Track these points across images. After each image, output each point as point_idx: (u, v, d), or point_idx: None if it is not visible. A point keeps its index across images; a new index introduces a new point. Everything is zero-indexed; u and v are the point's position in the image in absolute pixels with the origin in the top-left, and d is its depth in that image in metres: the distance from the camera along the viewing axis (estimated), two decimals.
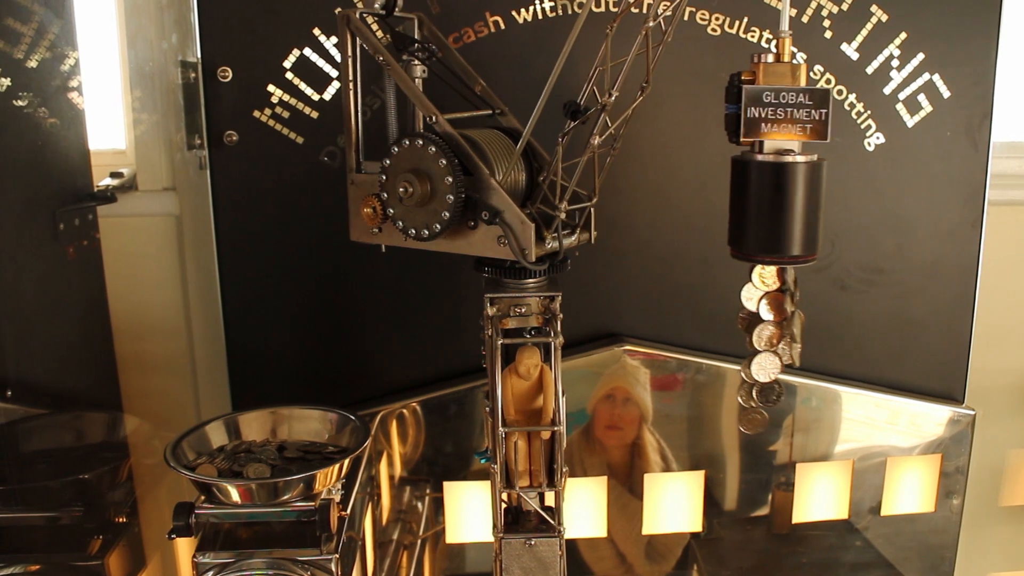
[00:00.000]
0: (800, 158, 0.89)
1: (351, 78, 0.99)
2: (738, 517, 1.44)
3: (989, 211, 1.36)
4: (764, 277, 1.08)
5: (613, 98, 0.91)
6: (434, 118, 0.91)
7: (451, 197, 0.89)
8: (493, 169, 0.91)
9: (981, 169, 1.34)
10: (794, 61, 0.90)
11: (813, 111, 0.89)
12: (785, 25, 0.91)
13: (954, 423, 1.41)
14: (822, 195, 0.91)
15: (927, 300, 1.38)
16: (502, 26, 1.25)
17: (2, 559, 1.07)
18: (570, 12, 1.23)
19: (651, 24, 0.91)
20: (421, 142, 0.91)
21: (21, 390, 1.17)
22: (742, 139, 0.93)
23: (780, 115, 0.90)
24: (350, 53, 0.98)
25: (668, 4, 0.92)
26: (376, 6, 0.97)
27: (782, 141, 0.91)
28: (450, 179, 0.89)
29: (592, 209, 0.98)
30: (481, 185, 0.90)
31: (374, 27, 1.08)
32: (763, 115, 0.91)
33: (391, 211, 0.95)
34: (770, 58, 0.91)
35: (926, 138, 1.32)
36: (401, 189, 0.91)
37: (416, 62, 1.00)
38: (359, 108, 1.01)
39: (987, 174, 1.34)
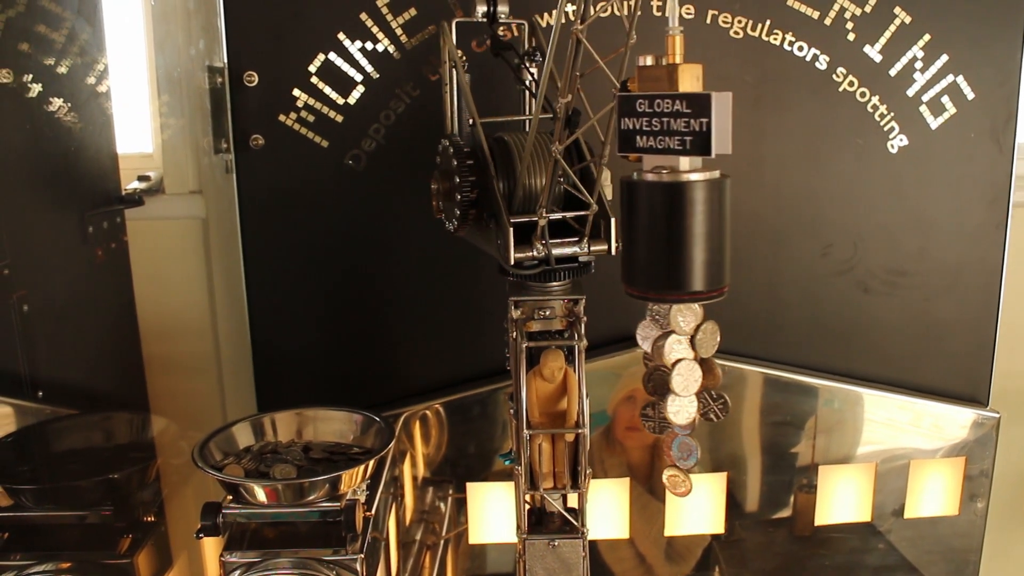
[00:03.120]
0: (697, 176, 0.76)
1: (446, 81, 0.99)
2: (760, 519, 1.44)
3: (1014, 213, 1.35)
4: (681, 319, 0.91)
5: (564, 103, 0.82)
6: (471, 121, 0.93)
7: (459, 195, 0.93)
8: (511, 172, 0.92)
9: (1005, 171, 1.33)
10: (680, 62, 0.77)
11: (692, 120, 0.73)
12: (674, 22, 0.79)
13: (978, 426, 1.41)
14: (726, 218, 0.79)
15: (951, 302, 1.38)
16: (515, 33, 1.25)
17: (34, 556, 1.08)
18: (592, 14, 1.23)
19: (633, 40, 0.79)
20: (446, 142, 0.95)
21: (52, 391, 1.19)
22: (618, 154, 0.81)
23: (656, 126, 0.76)
24: (445, 59, 0.99)
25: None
26: (478, 15, 0.98)
27: (662, 157, 0.76)
28: (458, 178, 0.92)
29: (613, 220, 0.93)
30: (486, 186, 0.92)
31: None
32: (638, 126, 0.77)
33: (439, 204, 1.00)
34: (650, 60, 0.79)
35: (950, 140, 1.31)
36: (433, 185, 0.96)
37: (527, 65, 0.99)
38: (455, 113, 1.01)
39: (1012, 176, 1.33)
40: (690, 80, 0.76)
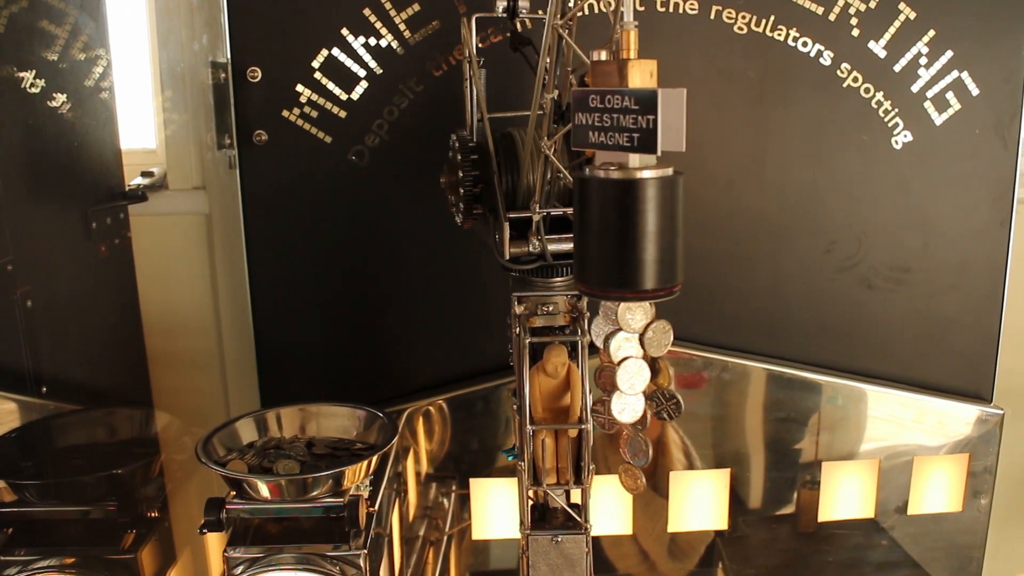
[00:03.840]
0: (650, 173, 0.75)
1: (467, 76, 0.99)
2: (763, 515, 1.44)
3: (1018, 209, 1.34)
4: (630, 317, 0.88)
5: (550, 99, 0.83)
6: (479, 115, 0.94)
7: (461, 190, 0.94)
8: (516, 167, 0.92)
9: (1010, 167, 1.33)
10: (634, 57, 0.75)
11: (639, 117, 0.72)
12: (628, 16, 0.77)
13: (982, 422, 1.41)
14: (679, 216, 0.78)
15: (955, 299, 1.37)
16: (528, 25, 1.25)
17: (38, 552, 1.08)
18: (597, 11, 1.23)
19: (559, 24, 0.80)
20: (454, 137, 0.96)
21: (55, 387, 1.19)
22: (573, 149, 0.82)
23: (607, 122, 0.75)
24: (467, 54, 0.99)
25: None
26: (499, 10, 0.98)
27: (613, 154, 0.75)
28: (461, 172, 0.93)
29: None
30: (489, 181, 0.93)
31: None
32: (590, 122, 0.76)
33: (451, 197, 1.00)
34: (604, 55, 0.78)
35: (954, 136, 1.31)
36: (442, 179, 0.98)
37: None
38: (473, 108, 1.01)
39: (1016, 172, 1.33)
40: (642, 76, 0.75)
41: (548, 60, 0.86)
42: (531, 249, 0.91)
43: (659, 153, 0.72)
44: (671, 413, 0.93)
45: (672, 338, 0.86)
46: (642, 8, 1.24)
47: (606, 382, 0.90)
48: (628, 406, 0.89)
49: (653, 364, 0.88)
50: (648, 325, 0.85)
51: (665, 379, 0.91)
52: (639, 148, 0.73)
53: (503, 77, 1.09)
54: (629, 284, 0.77)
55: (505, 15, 0.99)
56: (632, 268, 0.76)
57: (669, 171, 0.75)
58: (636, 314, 0.85)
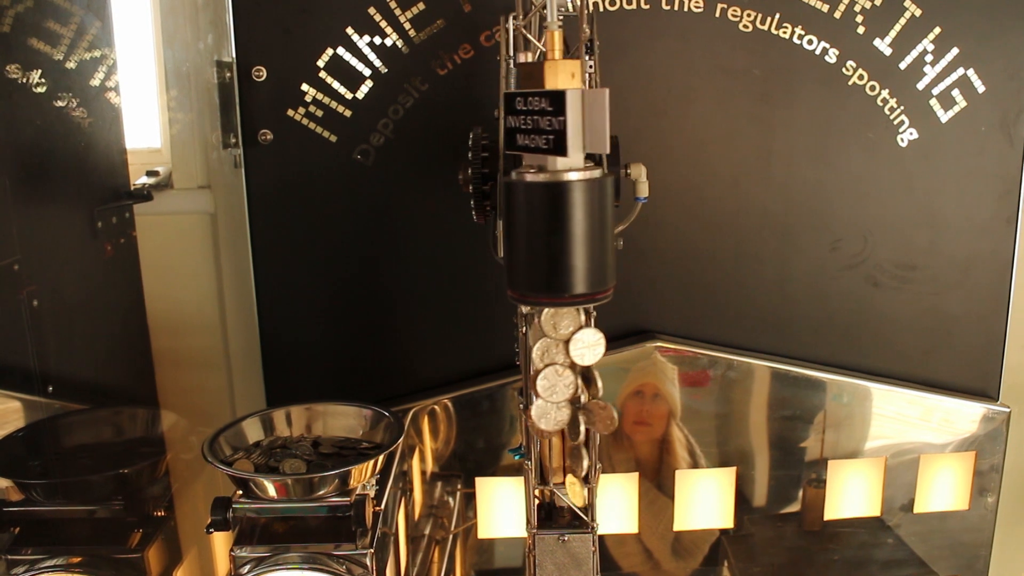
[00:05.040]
0: (576, 176, 0.73)
1: (503, 73, 0.99)
2: (769, 514, 1.44)
3: None
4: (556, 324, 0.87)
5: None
6: (496, 113, 0.93)
7: (470, 186, 0.95)
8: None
9: (1016, 164, 1.32)
10: (557, 58, 0.74)
11: (553, 119, 0.71)
12: (552, 16, 0.76)
13: (988, 420, 1.40)
14: (608, 218, 0.76)
15: (961, 296, 1.37)
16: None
17: (45, 551, 1.09)
18: (602, 9, 1.23)
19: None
20: (470, 133, 0.97)
21: (61, 386, 1.19)
22: (506, 152, 0.81)
23: (529, 124, 0.74)
24: (502, 53, 0.98)
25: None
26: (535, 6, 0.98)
27: (537, 156, 0.75)
28: (471, 169, 0.94)
29: None
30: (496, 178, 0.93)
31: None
32: (517, 124, 0.76)
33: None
34: (530, 57, 0.77)
35: (960, 133, 1.31)
36: (459, 175, 0.97)
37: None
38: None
39: (1022, 169, 1.33)
40: (563, 77, 0.74)
41: (508, 60, 0.86)
42: None
43: (569, 155, 0.71)
44: (604, 424, 0.91)
45: (604, 348, 0.85)
46: (647, 7, 1.24)
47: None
48: (547, 413, 0.88)
49: (586, 374, 0.88)
50: (575, 333, 0.84)
51: (595, 389, 0.89)
52: (552, 150, 0.72)
53: None
54: (555, 289, 0.76)
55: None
56: (558, 273, 0.75)
57: (596, 173, 0.74)
58: (562, 321, 0.84)
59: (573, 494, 0.95)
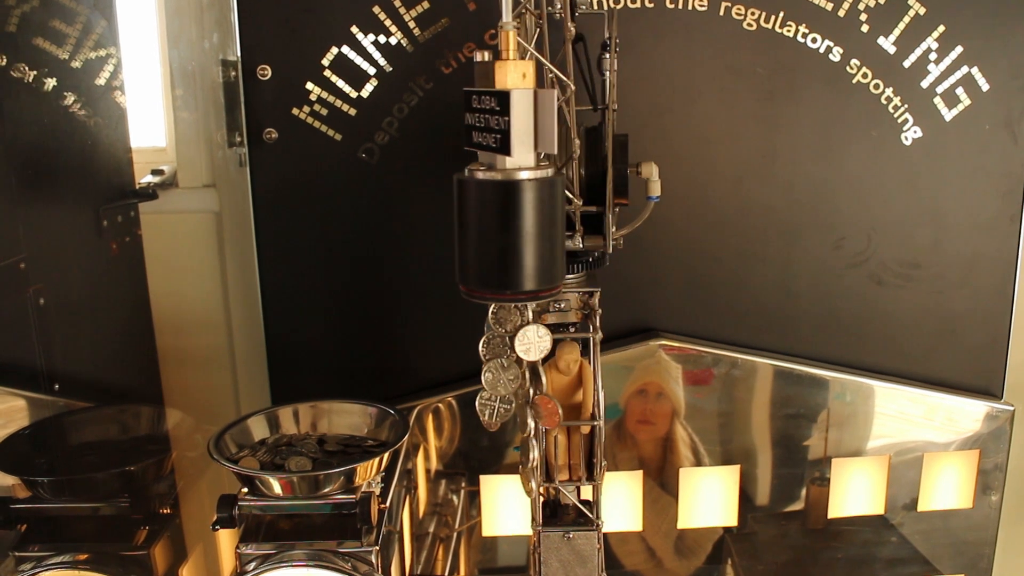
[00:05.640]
0: (527, 175, 0.74)
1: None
2: (772, 512, 1.44)
3: None
4: (501, 319, 0.89)
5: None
6: None
7: None
8: None
9: (1020, 163, 1.32)
10: (510, 57, 0.74)
11: (500, 118, 0.73)
12: (506, 16, 0.76)
13: (992, 419, 1.40)
14: (558, 217, 0.77)
15: (965, 295, 1.37)
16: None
17: (51, 548, 1.09)
18: (606, 7, 1.23)
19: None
20: None
21: (67, 384, 1.20)
22: (465, 148, 0.81)
23: (481, 123, 0.76)
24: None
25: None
26: (557, 6, 0.98)
27: (488, 155, 0.75)
28: None
29: (609, 215, 0.93)
30: None
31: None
32: (472, 122, 0.77)
33: None
34: (486, 56, 0.77)
35: (964, 132, 1.31)
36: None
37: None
38: None
39: None
40: (513, 77, 0.74)
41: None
42: None
43: (512, 155, 0.72)
44: (548, 420, 0.93)
45: (550, 344, 0.86)
46: (651, 5, 1.24)
47: None
48: (490, 406, 0.89)
49: (530, 368, 0.88)
50: (520, 328, 0.86)
51: (539, 385, 0.91)
52: (499, 149, 0.73)
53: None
54: (501, 286, 0.77)
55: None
56: (504, 270, 0.76)
57: (547, 172, 0.75)
58: (504, 316, 0.86)
59: (526, 490, 0.97)
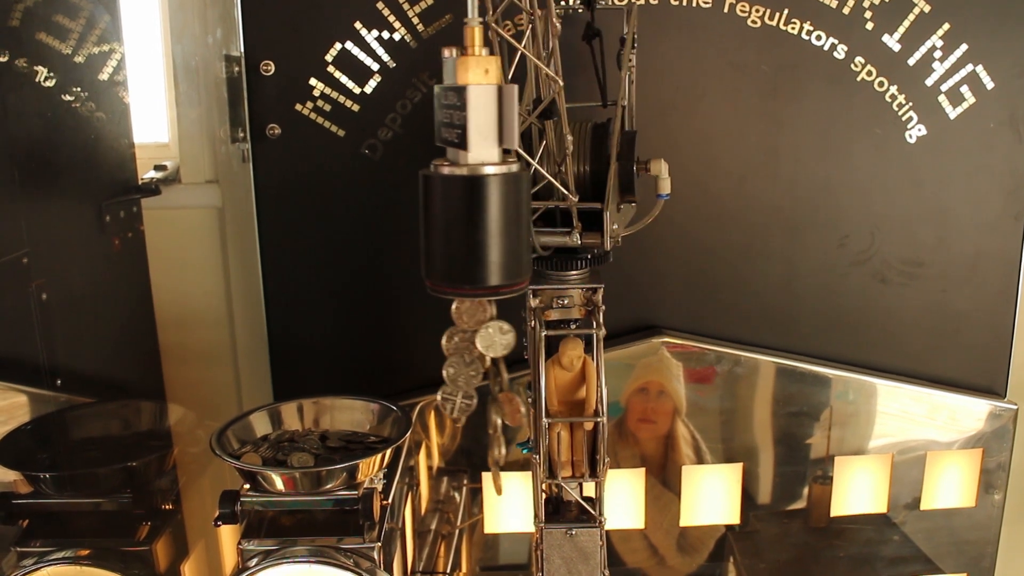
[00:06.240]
0: (493, 169, 0.74)
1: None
2: (775, 510, 1.44)
3: None
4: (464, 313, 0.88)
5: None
6: None
7: None
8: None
9: None
10: (476, 54, 0.74)
11: (460, 114, 0.73)
12: (472, 13, 0.76)
13: (995, 417, 1.40)
14: (523, 213, 0.77)
15: (969, 293, 1.37)
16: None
17: (53, 543, 1.09)
18: (610, 3, 1.23)
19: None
20: None
21: (69, 379, 1.20)
22: (436, 144, 0.81)
23: (447, 119, 0.76)
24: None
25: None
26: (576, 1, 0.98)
27: (453, 150, 0.76)
28: None
29: (607, 213, 0.92)
30: None
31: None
32: (442, 118, 0.77)
33: None
34: (454, 52, 0.77)
35: (969, 130, 1.31)
36: None
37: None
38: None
39: None
40: (475, 72, 0.74)
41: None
42: None
43: (469, 151, 0.72)
44: (511, 417, 0.93)
45: (513, 339, 0.86)
46: (655, 2, 1.24)
47: None
48: (450, 399, 0.90)
49: (493, 365, 0.89)
50: (482, 324, 0.86)
51: (502, 382, 0.91)
52: (460, 144, 0.74)
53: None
54: (464, 281, 0.77)
55: (583, 6, 0.99)
56: (467, 265, 0.76)
57: (513, 167, 0.75)
58: (469, 311, 0.86)
59: (496, 485, 0.97)
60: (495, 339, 0.86)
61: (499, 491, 0.98)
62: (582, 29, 1.09)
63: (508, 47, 0.90)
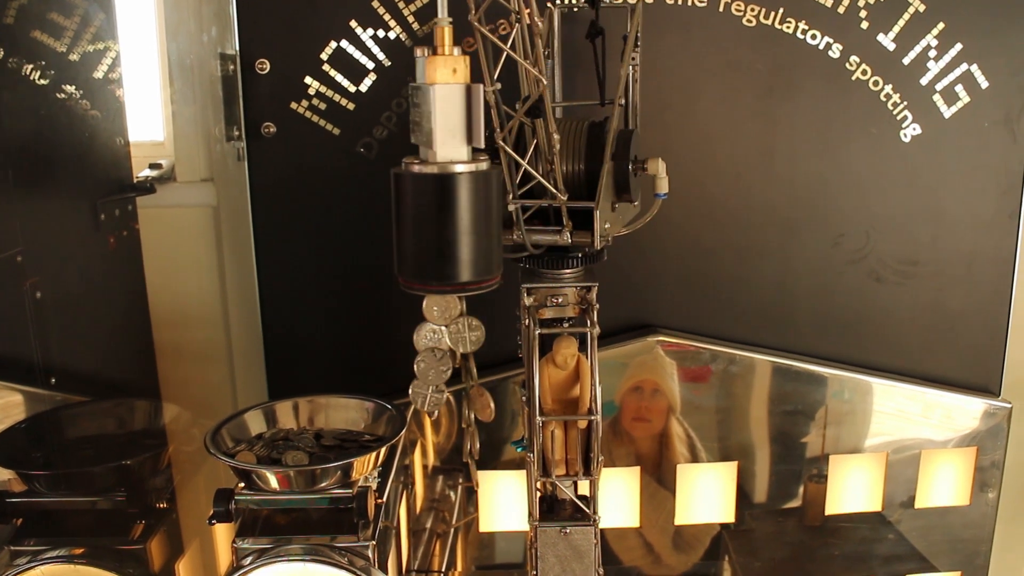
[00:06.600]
0: (463, 167, 0.75)
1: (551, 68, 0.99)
2: (770, 508, 1.44)
3: None
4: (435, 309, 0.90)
5: (492, 91, 0.81)
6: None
7: None
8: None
9: (1019, 160, 1.32)
10: (446, 53, 0.74)
11: (427, 112, 0.74)
12: (442, 12, 0.77)
13: (989, 416, 1.40)
14: (493, 210, 0.78)
15: (963, 292, 1.37)
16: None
17: (47, 542, 1.09)
18: (606, 2, 1.23)
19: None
20: None
21: (64, 377, 1.19)
22: (412, 142, 0.82)
23: (418, 117, 0.77)
24: (555, 47, 0.98)
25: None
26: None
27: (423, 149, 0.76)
28: None
29: (597, 212, 0.91)
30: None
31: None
32: (414, 117, 0.79)
33: None
34: (427, 52, 0.78)
35: (963, 129, 1.31)
36: None
37: None
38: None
39: None
40: (442, 72, 0.75)
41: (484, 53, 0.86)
42: (515, 239, 0.91)
43: (435, 149, 0.73)
44: (481, 413, 0.94)
45: (481, 336, 0.87)
46: (651, 1, 1.24)
47: None
48: (421, 394, 0.91)
49: (463, 361, 0.90)
50: (453, 320, 0.87)
51: (472, 378, 0.93)
52: (425, 142, 0.75)
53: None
54: (435, 277, 0.78)
55: (589, 3, 0.99)
56: (438, 262, 0.77)
57: (483, 165, 0.76)
58: (441, 307, 0.87)
59: (473, 478, 0.98)
60: (464, 335, 0.87)
61: (476, 485, 0.99)
62: (586, 28, 1.09)
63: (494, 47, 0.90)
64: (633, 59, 0.99)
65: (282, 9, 1.22)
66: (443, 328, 0.89)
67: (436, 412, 0.92)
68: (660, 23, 1.25)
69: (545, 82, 0.81)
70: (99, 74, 1.26)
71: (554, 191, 0.88)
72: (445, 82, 0.74)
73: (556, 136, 0.85)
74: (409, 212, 0.78)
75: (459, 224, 0.76)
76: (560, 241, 0.92)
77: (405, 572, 1.19)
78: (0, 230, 1.09)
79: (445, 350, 0.89)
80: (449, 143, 0.74)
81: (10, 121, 1.10)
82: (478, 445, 0.98)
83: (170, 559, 1.18)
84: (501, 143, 0.83)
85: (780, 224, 1.33)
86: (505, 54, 0.79)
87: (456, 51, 0.76)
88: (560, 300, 0.96)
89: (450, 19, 0.77)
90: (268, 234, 1.30)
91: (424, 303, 0.87)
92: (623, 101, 0.95)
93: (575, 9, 1.14)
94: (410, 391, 0.92)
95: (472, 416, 0.96)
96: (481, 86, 0.74)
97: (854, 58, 1.27)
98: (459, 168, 0.75)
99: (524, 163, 0.85)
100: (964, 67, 1.29)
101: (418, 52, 0.78)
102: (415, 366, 0.90)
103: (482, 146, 0.75)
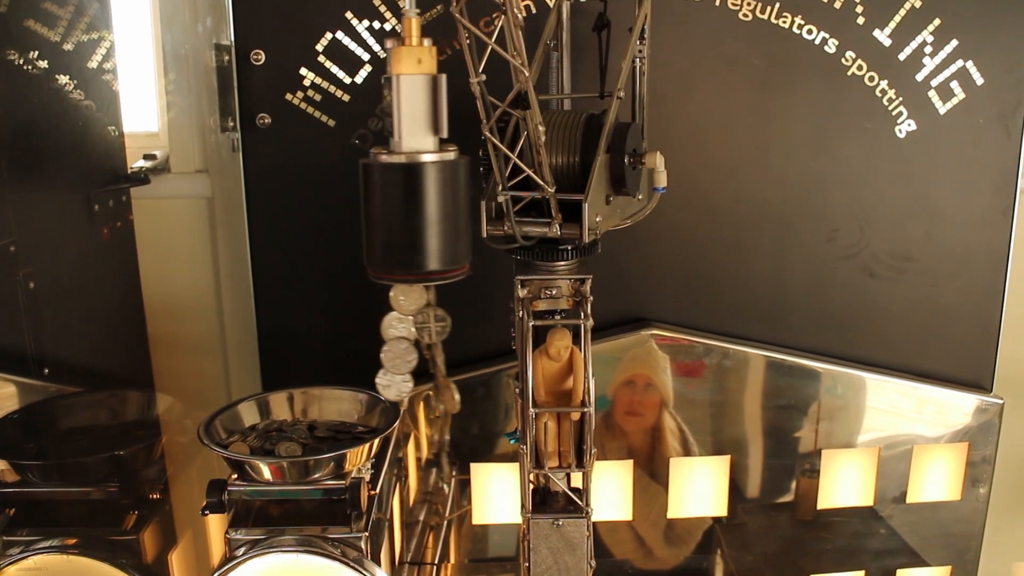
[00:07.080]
0: (430, 157, 0.76)
1: (555, 62, 0.99)
2: (762, 503, 1.44)
3: (1021, 199, 1.34)
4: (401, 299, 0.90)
5: (477, 82, 0.81)
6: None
7: (481, 168, 0.93)
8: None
9: (1013, 157, 1.33)
10: (413, 44, 0.74)
11: (393, 102, 0.75)
12: (410, 4, 0.77)
13: (981, 412, 1.41)
14: (461, 200, 0.79)
15: (957, 288, 1.38)
16: (533, 10, 1.25)
17: (40, 532, 1.09)
18: None
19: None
20: None
21: (57, 368, 1.19)
22: (385, 134, 0.83)
23: (387, 108, 0.78)
24: (561, 39, 0.98)
25: None
26: None
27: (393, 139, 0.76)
28: (482, 152, 0.93)
29: (586, 205, 0.90)
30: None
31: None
32: (384, 107, 0.79)
33: None
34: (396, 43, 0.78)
35: (958, 125, 1.31)
36: None
37: None
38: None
39: (1020, 162, 1.33)
40: (407, 62, 0.75)
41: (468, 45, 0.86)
42: (505, 230, 0.91)
43: (398, 138, 0.74)
44: (447, 404, 0.95)
45: (447, 326, 0.88)
46: None
47: None
48: (393, 384, 0.91)
49: (428, 351, 0.90)
50: (420, 310, 0.87)
51: (438, 368, 0.93)
52: (390, 132, 0.76)
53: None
54: (407, 267, 0.79)
55: None
56: (405, 251, 0.78)
57: (451, 155, 0.77)
58: (408, 297, 0.88)
59: (445, 474, 0.98)
60: (430, 325, 0.88)
61: (448, 477, 0.99)
62: (593, 20, 1.09)
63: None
64: (640, 52, 0.99)
65: (277, 0, 1.22)
66: (409, 318, 0.89)
67: (405, 401, 0.92)
68: (656, 16, 1.24)
69: (527, 73, 0.80)
70: (93, 64, 1.26)
71: (540, 183, 0.87)
72: (410, 72, 0.73)
73: (542, 128, 0.84)
74: (377, 202, 0.79)
75: (426, 214, 0.76)
76: (549, 233, 0.92)
77: (398, 564, 1.19)
78: None
79: (411, 340, 0.90)
80: (414, 133, 0.74)
81: (3, 111, 1.10)
82: (447, 436, 0.98)
83: (163, 550, 1.18)
84: (488, 134, 0.83)
85: (774, 219, 1.34)
86: (489, 47, 0.79)
87: (427, 42, 0.76)
88: (554, 292, 0.96)
89: (418, 10, 0.77)
90: (262, 226, 1.30)
91: (391, 292, 0.87)
92: (622, 94, 0.95)
93: (583, 0, 1.14)
94: (376, 380, 0.92)
95: (442, 407, 0.96)
96: (444, 76, 0.74)
97: (850, 53, 1.28)
98: (426, 158, 0.75)
99: (513, 156, 0.85)
100: (960, 63, 1.29)
101: (388, 43, 0.78)
102: (381, 355, 0.90)
103: (445, 136, 0.76)
